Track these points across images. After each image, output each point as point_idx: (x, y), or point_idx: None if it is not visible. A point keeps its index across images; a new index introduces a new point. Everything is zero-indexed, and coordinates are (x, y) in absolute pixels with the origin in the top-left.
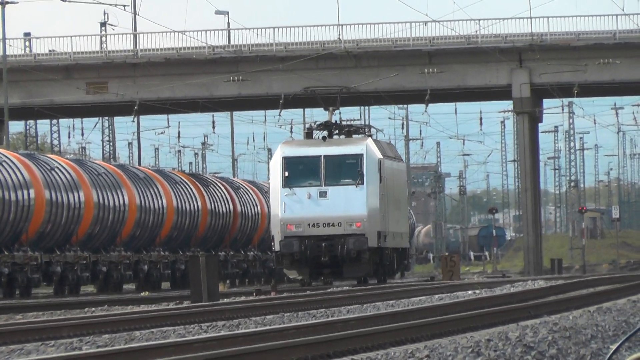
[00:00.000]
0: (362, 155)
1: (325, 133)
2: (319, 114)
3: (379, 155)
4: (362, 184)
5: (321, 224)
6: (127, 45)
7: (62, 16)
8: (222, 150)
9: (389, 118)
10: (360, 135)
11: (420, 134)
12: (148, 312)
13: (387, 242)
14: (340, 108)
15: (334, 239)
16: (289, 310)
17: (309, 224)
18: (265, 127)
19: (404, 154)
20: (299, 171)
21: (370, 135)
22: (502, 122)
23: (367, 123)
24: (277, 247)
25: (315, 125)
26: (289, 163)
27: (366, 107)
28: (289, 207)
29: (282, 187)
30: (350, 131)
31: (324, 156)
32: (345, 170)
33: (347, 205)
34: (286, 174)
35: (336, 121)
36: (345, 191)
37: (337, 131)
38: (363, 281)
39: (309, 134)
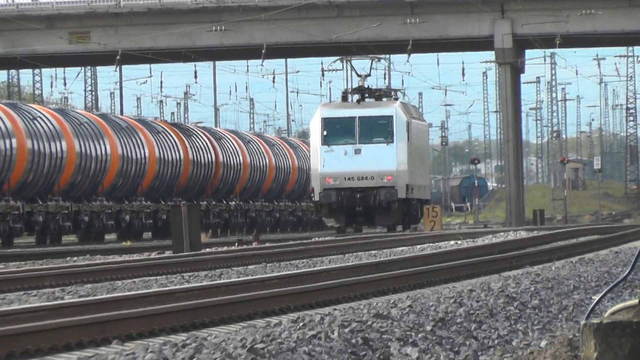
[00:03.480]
0: (392, 116)
1: (358, 96)
2: (301, 65)
3: (407, 117)
4: (392, 142)
5: (356, 178)
6: None
7: None
8: (204, 100)
9: (372, 68)
10: (389, 98)
11: (403, 84)
12: (130, 262)
13: (414, 193)
14: (325, 59)
15: (367, 191)
16: (271, 260)
17: (345, 178)
18: (247, 77)
19: None
20: (336, 130)
21: (397, 99)
22: (484, 72)
23: (396, 88)
24: (316, 198)
25: (350, 90)
26: (328, 123)
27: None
28: (327, 163)
29: (322, 144)
30: (380, 95)
31: (359, 117)
32: (378, 129)
33: (379, 161)
34: (325, 133)
35: (368, 86)
36: (377, 148)
37: (367, 95)
38: (392, 228)
39: (344, 98)
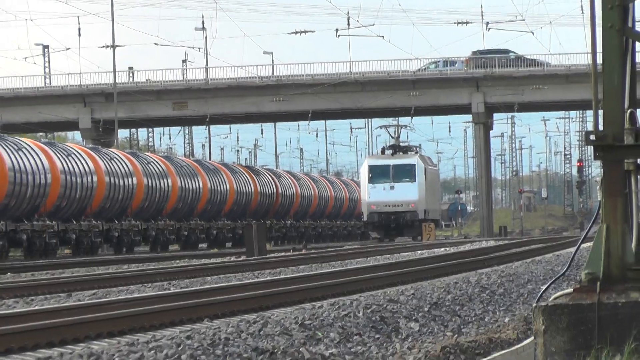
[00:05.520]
0: (414, 164)
1: (391, 151)
2: (335, 125)
3: (424, 164)
4: (415, 181)
5: (391, 205)
6: (201, 75)
7: (155, 55)
8: (268, 149)
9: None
10: (412, 152)
11: (407, 138)
12: (216, 264)
13: (429, 215)
14: (353, 120)
15: (398, 214)
16: (315, 262)
17: (383, 205)
18: (298, 133)
19: None
20: (378, 173)
21: (417, 152)
22: (465, 129)
23: (416, 145)
24: (365, 218)
25: (387, 146)
26: (372, 169)
27: (369, 120)
28: (372, 195)
29: (368, 183)
30: (406, 150)
31: (393, 164)
32: (405, 173)
33: (406, 194)
34: (370, 175)
35: (399, 144)
36: (405, 185)
37: (398, 149)
38: (415, 238)
39: (383, 151)
